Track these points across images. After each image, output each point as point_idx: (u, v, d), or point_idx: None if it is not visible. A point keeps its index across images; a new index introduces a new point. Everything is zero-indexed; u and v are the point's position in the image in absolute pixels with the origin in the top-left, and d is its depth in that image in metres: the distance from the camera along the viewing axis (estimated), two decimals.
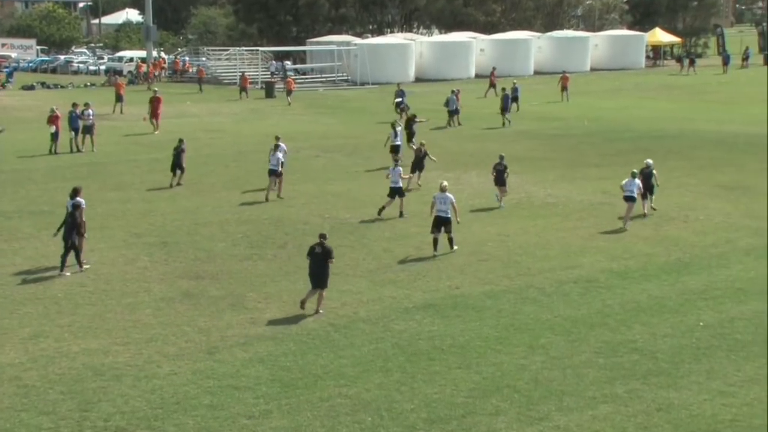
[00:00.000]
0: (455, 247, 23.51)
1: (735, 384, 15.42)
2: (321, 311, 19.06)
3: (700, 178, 32.84)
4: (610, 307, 19.33)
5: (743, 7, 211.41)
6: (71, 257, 21.74)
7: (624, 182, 26.14)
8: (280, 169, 29.61)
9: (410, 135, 37.40)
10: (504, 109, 46.65)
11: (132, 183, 32.65)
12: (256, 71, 74.07)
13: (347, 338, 17.66)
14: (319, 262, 19.05)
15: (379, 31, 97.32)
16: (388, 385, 15.52)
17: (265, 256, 23.34)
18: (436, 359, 16.59)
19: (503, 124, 46.22)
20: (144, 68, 73.38)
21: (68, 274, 21.58)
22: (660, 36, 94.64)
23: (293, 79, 64.85)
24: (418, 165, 31.11)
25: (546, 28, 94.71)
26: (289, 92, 59.78)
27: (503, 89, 49.38)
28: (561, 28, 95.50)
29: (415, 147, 33.75)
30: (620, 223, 26.16)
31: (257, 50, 76.60)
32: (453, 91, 48.92)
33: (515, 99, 49.44)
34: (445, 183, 24.18)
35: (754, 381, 15.52)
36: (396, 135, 34.66)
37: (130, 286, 20.97)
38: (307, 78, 74.73)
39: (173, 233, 25.34)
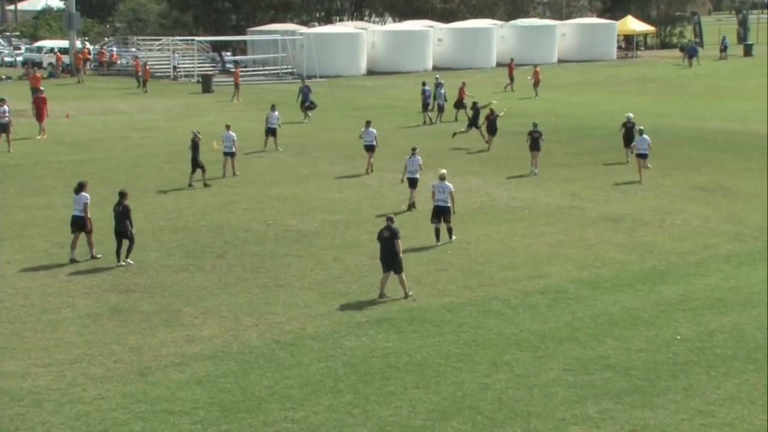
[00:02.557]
0: (454, 237, 25.01)
1: (715, 402, 15.61)
2: (410, 293, 20.66)
3: (676, 178, 33.24)
4: (580, 320, 19.48)
5: None
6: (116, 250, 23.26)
7: (638, 139, 32.93)
8: (234, 149, 33.53)
9: (476, 123, 40.87)
10: (429, 106, 48.09)
11: (54, 187, 32.32)
12: (192, 63, 73.74)
13: (294, 356, 17.62)
14: (389, 245, 20.45)
15: (327, 20, 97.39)
16: (339, 407, 15.51)
17: (202, 267, 23.23)
18: (391, 378, 16.61)
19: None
20: (63, 60, 72.61)
21: (131, 261, 23.25)
22: (632, 24, 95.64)
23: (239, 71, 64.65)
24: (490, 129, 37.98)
25: (509, 16, 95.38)
26: (236, 86, 59.51)
27: (423, 83, 49.92)
28: (525, 15, 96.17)
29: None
30: (590, 228, 26.45)
31: (193, 40, 76.24)
32: (438, 84, 49.59)
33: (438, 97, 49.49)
34: (444, 171, 25.52)
35: (735, 399, 15.72)
36: (369, 133, 34.80)
37: (51, 301, 20.76)
38: (248, 71, 74.48)
39: (100, 242, 25.06)
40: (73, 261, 23.65)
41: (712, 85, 66.67)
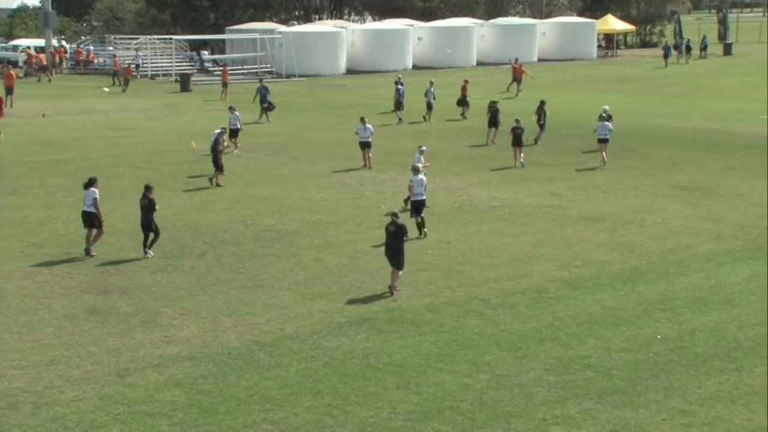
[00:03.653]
0: (425, 231, 25.53)
1: (695, 402, 15.68)
2: (398, 288, 20.89)
3: (657, 178, 33.37)
4: (561, 319, 19.53)
5: None
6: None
7: (598, 125, 35.00)
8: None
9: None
10: (402, 105, 48.32)
11: (30, 187, 32.18)
12: (170, 62, 73.54)
13: (273, 357, 17.60)
14: (394, 240, 20.80)
15: (306, 18, 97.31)
16: (319, 408, 15.50)
17: (181, 268, 23.17)
18: (371, 379, 16.61)
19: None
20: (36, 59, 72.19)
21: (151, 253, 23.87)
22: (612, 23, 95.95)
23: (228, 70, 64.49)
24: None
25: (489, 14, 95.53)
26: (224, 85, 59.35)
27: (397, 81, 49.96)
28: (505, 14, 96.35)
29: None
30: (571, 228, 26.53)
31: (171, 39, 76.04)
32: (431, 82, 49.90)
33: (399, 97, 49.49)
34: (419, 164, 25.84)
35: (715, 398, 15.80)
36: (366, 129, 35.08)
37: (27, 302, 20.65)
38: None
39: (78, 243, 25.00)
40: (88, 254, 23.96)
41: (692, 84, 66.98)
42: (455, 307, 20.23)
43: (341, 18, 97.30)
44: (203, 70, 75.39)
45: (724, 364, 17.17)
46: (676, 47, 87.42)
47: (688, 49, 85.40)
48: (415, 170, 25.55)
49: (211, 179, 32.20)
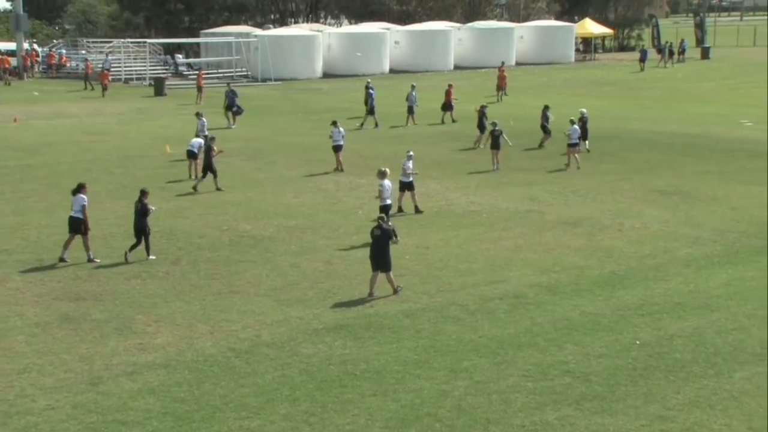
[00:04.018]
0: (397, 239, 25.14)
1: (674, 408, 15.73)
2: (399, 288, 21.28)
3: (635, 182, 33.50)
4: (539, 325, 19.56)
5: None
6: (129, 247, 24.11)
7: (571, 128, 35.62)
8: (196, 150, 33.86)
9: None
10: (374, 109, 48.33)
11: (2, 192, 32.02)
12: (144, 65, 73.31)
13: (249, 364, 17.55)
14: (380, 243, 21.07)
15: (282, 22, 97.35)
16: (296, 416, 15.47)
17: (155, 274, 23.08)
18: (348, 386, 16.59)
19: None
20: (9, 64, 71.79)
21: (153, 257, 24.11)
22: (590, 27, 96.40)
23: (203, 72, 64.30)
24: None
25: (467, 18, 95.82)
26: (199, 89, 59.18)
27: (367, 84, 49.91)
28: (483, 18, 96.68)
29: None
30: (549, 233, 26.60)
31: (144, 42, 75.81)
32: (413, 86, 50.08)
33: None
34: (387, 169, 26.05)
35: (694, 404, 15.85)
36: (338, 133, 35.13)
37: None
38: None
39: (50, 249, 24.88)
40: (61, 260, 23.86)
41: (670, 88, 67.32)
42: (433, 313, 20.24)
43: (317, 21, 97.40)
44: (178, 74, 75.22)
45: (703, 369, 17.24)
46: (659, 50, 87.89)
47: (671, 53, 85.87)
48: (383, 175, 25.66)
49: (217, 186, 32.33)
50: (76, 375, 17.05)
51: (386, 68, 78.81)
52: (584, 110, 40.16)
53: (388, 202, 25.94)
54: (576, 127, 36.18)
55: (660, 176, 34.50)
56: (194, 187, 32.22)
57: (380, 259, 21.15)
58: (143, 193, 24.37)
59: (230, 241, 25.94)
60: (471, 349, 18.23)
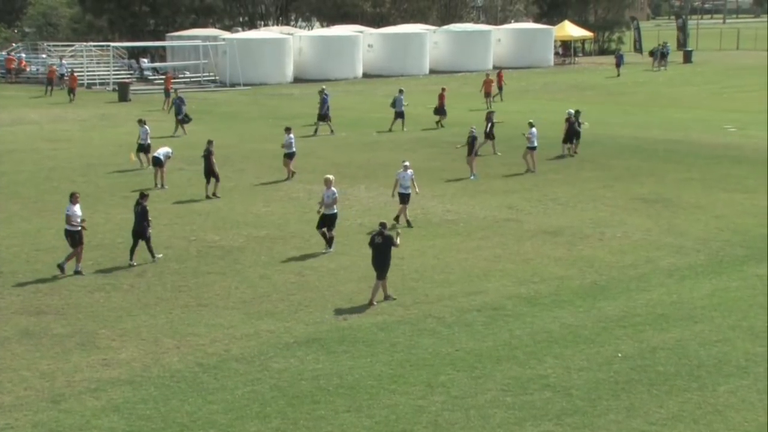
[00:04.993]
0: (332, 249, 25.81)
1: (657, 422, 15.81)
2: (392, 297, 21.79)
3: (616, 190, 33.65)
4: (518, 338, 19.61)
5: None
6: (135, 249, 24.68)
7: (530, 131, 36.42)
8: (162, 158, 33.81)
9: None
10: (327, 116, 48.26)
11: None
12: (108, 70, 73.07)
13: (218, 380, 17.51)
14: (382, 251, 21.58)
15: (251, 24, 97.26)
16: None
17: (120, 287, 23.00)
18: (321, 402, 16.58)
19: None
20: None
21: (159, 256, 24.99)
22: (570, 30, 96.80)
23: (171, 76, 64.02)
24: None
25: (442, 20, 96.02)
26: (167, 93, 58.94)
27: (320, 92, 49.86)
28: (459, 20, 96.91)
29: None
30: (528, 242, 26.68)
31: (108, 46, 75.56)
32: (401, 90, 50.41)
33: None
34: (331, 176, 26.05)
35: (677, 418, 15.94)
36: (291, 140, 35.21)
37: None
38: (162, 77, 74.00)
39: (9, 261, 24.75)
40: (76, 272, 23.96)
41: (652, 93, 67.70)
42: (409, 326, 20.25)
43: (288, 24, 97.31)
44: (143, 79, 74.98)
45: (687, 382, 17.34)
46: (651, 53, 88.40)
47: (663, 55, 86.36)
48: (328, 183, 25.73)
49: (214, 192, 32.55)
50: (36, 392, 16.96)
51: (359, 73, 78.84)
52: (571, 110, 41.00)
53: (335, 210, 25.91)
54: (534, 130, 36.75)
55: (642, 184, 34.67)
56: (213, 194, 32.59)
57: (384, 267, 21.70)
58: (143, 196, 24.92)
59: (198, 252, 25.88)
60: (448, 363, 18.26)
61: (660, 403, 16.49)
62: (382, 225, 22.11)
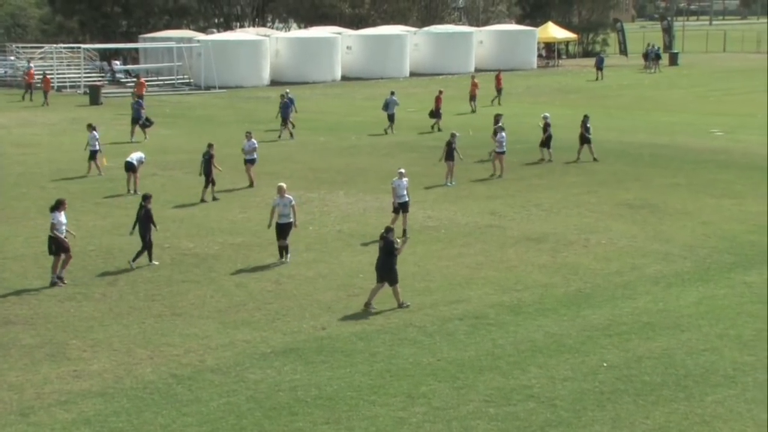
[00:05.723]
0: (289, 258, 25.56)
1: None
2: (405, 304, 21.78)
3: (601, 195, 33.75)
4: (501, 347, 19.63)
5: (646, 0, 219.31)
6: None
7: (499, 136, 36.65)
8: (135, 162, 33.89)
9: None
10: (288, 120, 48.15)
11: None
12: (78, 72, 72.83)
13: (192, 392, 17.46)
14: (382, 256, 21.64)
15: (227, 26, 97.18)
16: None
17: (91, 296, 22.91)
18: (299, 414, 16.55)
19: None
20: None
21: (157, 262, 25.16)
22: (553, 31, 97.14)
23: (144, 82, 63.80)
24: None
25: (423, 22, 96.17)
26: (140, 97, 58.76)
27: (282, 95, 49.81)
28: (440, 22, 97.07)
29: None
30: (511, 249, 26.72)
31: (79, 48, 75.32)
32: (392, 92, 50.58)
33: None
34: (283, 184, 25.89)
35: (664, 429, 15.98)
36: (252, 146, 35.13)
37: None
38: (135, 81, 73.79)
39: None
40: (58, 281, 23.70)
41: (637, 96, 67.96)
42: (389, 335, 20.25)
43: (264, 25, 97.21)
44: (115, 82, 74.78)
45: (673, 392, 17.39)
46: (645, 55, 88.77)
47: (658, 57, 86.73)
48: (281, 190, 25.53)
49: (214, 197, 32.89)
50: (4, 405, 16.87)
51: (338, 75, 78.89)
52: (547, 114, 41.04)
53: (290, 220, 25.56)
54: (504, 134, 36.85)
55: (627, 189, 34.77)
56: (205, 199, 32.85)
57: (384, 272, 21.62)
58: (146, 198, 25.22)
59: (172, 260, 25.81)
60: (429, 374, 18.26)
61: (646, 414, 16.53)
62: (387, 229, 22.07)
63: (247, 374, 18.24)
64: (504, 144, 36.87)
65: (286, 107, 48.04)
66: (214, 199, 32.83)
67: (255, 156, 35.51)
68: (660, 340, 20.00)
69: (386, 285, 21.72)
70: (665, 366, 18.60)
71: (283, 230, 25.55)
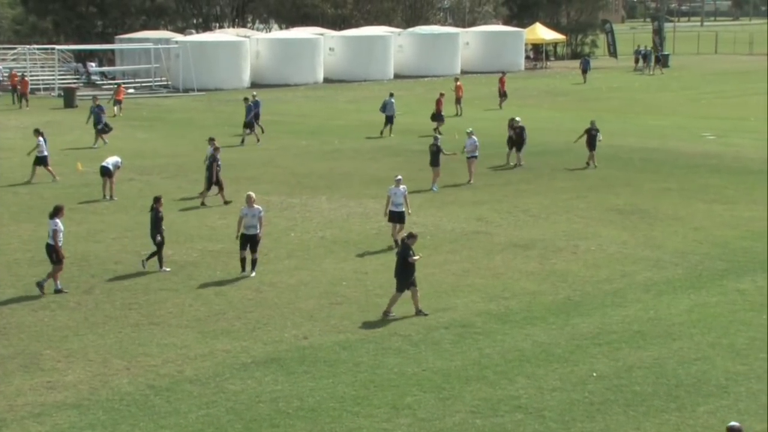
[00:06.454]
0: (254, 273, 25.05)
1: None
2: (423, 311, 21.86)
3: (590, 200, 33.81)
4: (488, 356, 19.65)
5: (635, 1, 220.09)
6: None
7: (466, 142, 36.91)
8: (111, 167, 33.72)
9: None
10: (253, 125, 48.10)
11: None
12: (52, 74, 72.65)
13: (170, 403, 17.42)
14: (399, 261, 21.80)
15: (206, 26, 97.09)
16: None
17: (66, 305, 22.85)
18: (280, 426, 16.54)
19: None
20: None
21: (168, 269, 25.27)
22: (541, 33, 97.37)
23: (123, 87, 63.65)
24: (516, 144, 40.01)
25: (408, 22, 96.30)
26: (117, 102, 58.55)
27: (246, 98, 49.67)
28: (426, 22, 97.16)
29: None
30: (498, 256, 26.76)
31: (53, 49, 75.14)
32: (391, 94, 50.94)
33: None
34: (252, 193, 25.70)
35: None
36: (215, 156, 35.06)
37: None
38: (116, 83, 73.61)
39: None
40: (57, 291, 23.63)
41: (627, 99, 68.15)
42: (373, 345, 20.24)
43: (244, 26, 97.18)
44: (90, 84, 74.60)
45: (665, 403, 17.43)
46: (644, 57, 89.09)
47: (657, 59, 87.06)
48: (249, 200, 25.21)
49: (225, 200, 33.00)
50: None
51: (320, 77, 78.88)
52: (518, 118, 41.06)
53: (255, 232, 25.05)
54: (474, 139, 36.82)
55: (617, 194, 34.86)
56: (202, 202, 33.18)
57: (400, 278, 21.75)
58: (156, 200, 25.43)
59: (149, 267, 25.75)
60: (414, 384, 18.26)
61: (637, 425, 16.56)
62: (408, 235, 22.18)
63: (226, 385, 18.21)
64: (470, 149, 36.91)
65: (249, 111, 47.86)
66: (226, 203, 32.90)
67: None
68: (651, 349, 20.05)
69: (405, 291, 21.90)
70: (656, 376, 18.64)
71: (248, 242, 25.08)
